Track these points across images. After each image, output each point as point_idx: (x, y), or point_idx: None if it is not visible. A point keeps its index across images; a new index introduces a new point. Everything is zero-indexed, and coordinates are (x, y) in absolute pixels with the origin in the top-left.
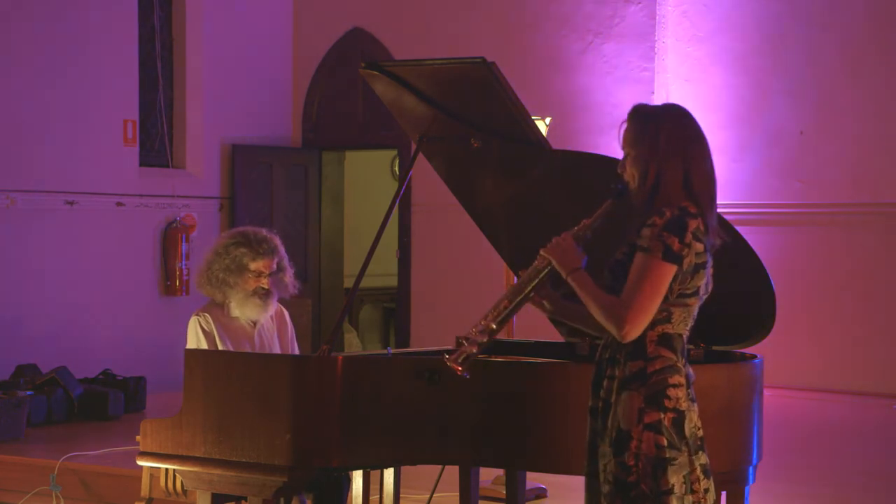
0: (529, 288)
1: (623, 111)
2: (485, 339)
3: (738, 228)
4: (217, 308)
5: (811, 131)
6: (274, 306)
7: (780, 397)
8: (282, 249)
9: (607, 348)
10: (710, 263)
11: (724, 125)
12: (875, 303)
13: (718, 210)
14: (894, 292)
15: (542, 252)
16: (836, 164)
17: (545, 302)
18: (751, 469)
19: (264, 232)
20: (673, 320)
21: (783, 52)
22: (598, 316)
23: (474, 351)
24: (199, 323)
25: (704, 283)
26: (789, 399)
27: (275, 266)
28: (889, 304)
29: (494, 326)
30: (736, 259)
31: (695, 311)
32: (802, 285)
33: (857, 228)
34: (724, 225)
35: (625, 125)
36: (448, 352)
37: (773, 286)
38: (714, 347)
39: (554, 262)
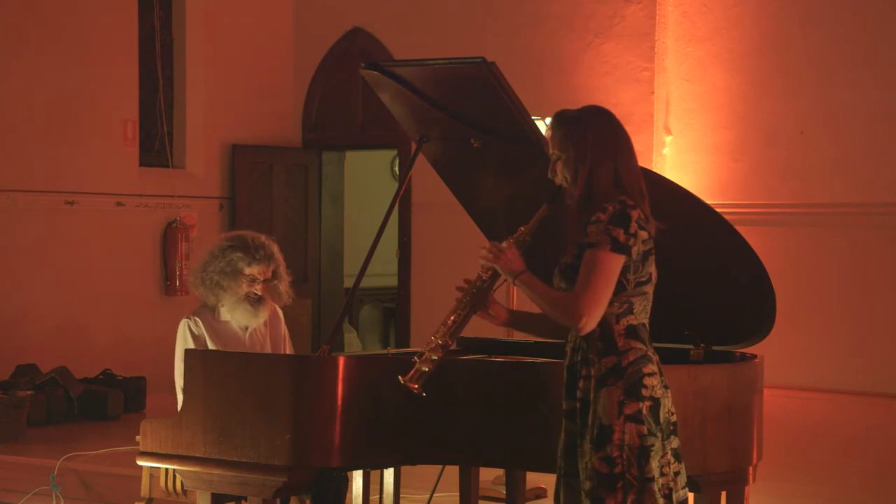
0: (476, 300)
1: (623, 111)
2: (437, 357)
3: (738, 228)
4: (208, 311)
5: (811, 131)
6: (265, 314)
7: (781, 397)
8: (279, 257)
9: (578, 351)
10: (654, 249)
11: (723, 125)
12: (875, 303)
13: (719, 210)
14: (894, 292)
15: (483, 263)
16: (836, 164)
17: (491, 311)
18: (751, 469)
19: (263, 238)
20: (635, 311)
21: (783, 52)
22: (553, 313)
23: (426, 370)
24: (189, 326)
25: (654, 267)
26: (789, 399)
27: (270, 273)
28: (889, 304)
29: (441, 342)
30: (736, 259)
31: (651, 297)
32: (802, 285)
33: (857, 228)
34: (724, 224)
35: (549, 131)
36: (402, 372)
37: (773, 286)
38: (714, 347)
39: (499, 270)
